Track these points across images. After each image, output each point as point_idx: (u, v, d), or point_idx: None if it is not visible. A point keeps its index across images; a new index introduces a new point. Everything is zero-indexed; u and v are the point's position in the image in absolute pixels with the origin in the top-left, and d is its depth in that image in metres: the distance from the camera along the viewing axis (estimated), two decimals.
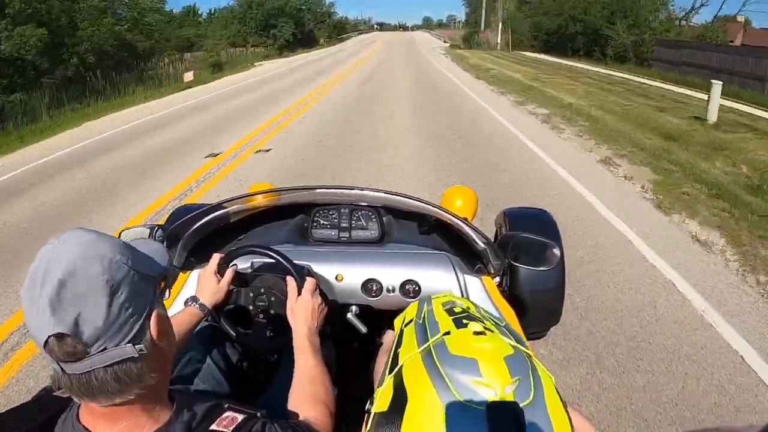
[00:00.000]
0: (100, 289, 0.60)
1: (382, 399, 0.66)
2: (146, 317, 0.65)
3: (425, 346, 0.68)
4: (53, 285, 0.58)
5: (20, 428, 0.69)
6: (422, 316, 0.77)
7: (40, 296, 0.59)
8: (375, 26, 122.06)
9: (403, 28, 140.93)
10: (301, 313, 1.20)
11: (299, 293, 1.23)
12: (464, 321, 0.72)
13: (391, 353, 0.74)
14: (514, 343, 0.68)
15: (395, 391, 0.65)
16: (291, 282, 1.25)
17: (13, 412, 0.72)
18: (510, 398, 0.59)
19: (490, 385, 0.60)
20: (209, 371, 1.28)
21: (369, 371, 1.21)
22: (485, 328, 0.70)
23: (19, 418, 0.71)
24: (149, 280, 0.67)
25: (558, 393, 0.65)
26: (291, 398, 1.00)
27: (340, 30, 59.18)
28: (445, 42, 44.27)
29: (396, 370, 0.68)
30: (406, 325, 0.79)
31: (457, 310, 0.77)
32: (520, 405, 0.59)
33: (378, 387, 0.71)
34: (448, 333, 0.69)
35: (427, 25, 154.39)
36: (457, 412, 0.59)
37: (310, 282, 1.26)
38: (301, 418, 0.92)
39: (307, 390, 1.01)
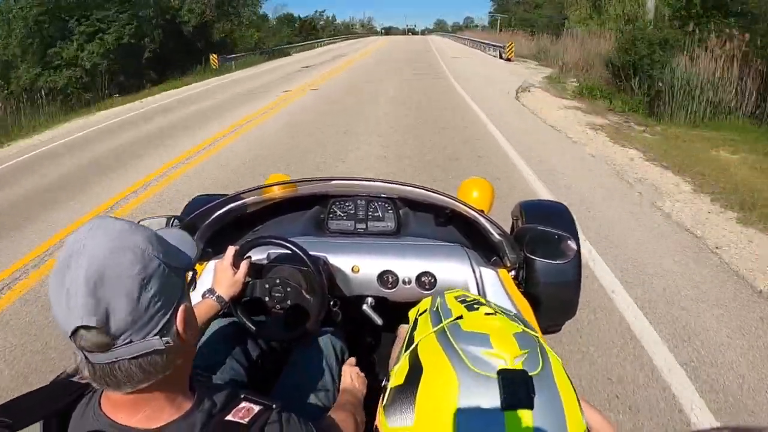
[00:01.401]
0: (130, 282, 0.59)
1: (398, 375, 0.69)
2: (174, 311, 0.65)
3: (439, 326, 0.71)
4: (83, 276, 0.58)
5: (38, 412, 0.70)
6: (436, 305, 0.80)
7: (69, 287, 0.58)
8: (380, 30, 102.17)
9: (412, 32, 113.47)
10: (346, 377, 1.26)
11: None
12: (475, 306, 0.75)
13: (407, 337, 0.77)
14: (522, 326, 0.71)
15: (411, 366, 0.68)
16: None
17: (31, 396, 0.73)
18: (519, 367, 0.62)
19: (501, 355, 0.63)
20: (229, 364, 1.29)
21: (383, 363, 1.22)
22: (496, 312, 0.73)
23: (38, 401, 0.72)
24: (178, 272, 0.67)
25: (566, 373, 0.67)
26: None
27: (308, 34, 38.95)
28: (519, 62, 17.93)
29: (411, 347, 0.71)
30: (420, 315, 0.81)
31: (468, 299, 0.80)
32: (530, 374, 0.62)
33: (394, 366, 0.73)
34: (460, 317, 0.72)
35: (441, 28, 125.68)
36: (470, 379, 0.62)
37: (351, 361, 1.32)
38: None
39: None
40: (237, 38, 24.58)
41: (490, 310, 0.72)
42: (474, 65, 17.89)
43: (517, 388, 0.59)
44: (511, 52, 19.36)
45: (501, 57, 19.89)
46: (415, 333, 0.74)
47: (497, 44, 21.99)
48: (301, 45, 33.83)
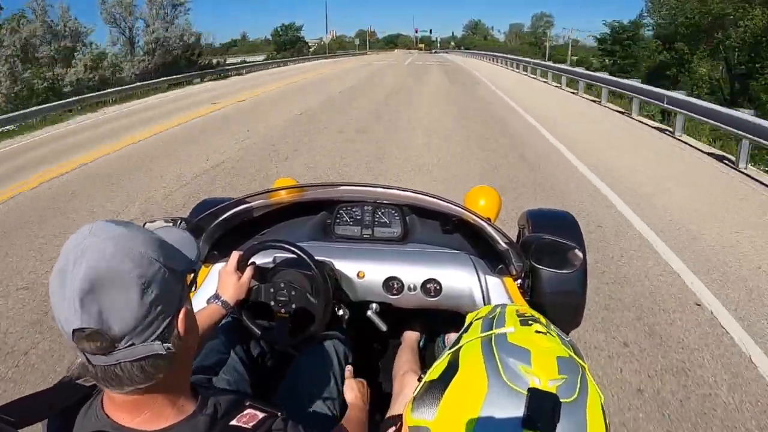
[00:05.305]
0: (131, 286, 0.59)
1: (435, 369, 0.71)
2: (175, 314, 0.65)
3: (487, 333, 0.72)
4: (83, 279, 0.58)
5: (42, 412, 0.70)
6: (494, 314, 0.81)
7: (69, 289, 0.58)
8: (319, 40, 63.99)
9: (426, 43, 73.69)
10: (349, 392, 1.24)
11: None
12: (530, 322, 0.75)
13: (457, 337, 0.78)
14: (571, 352, 0.70)
15: (449, 364, 0.69)
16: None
17: (35, 397, 0.73)
18: (552, 391, 0.62)
19: (537, 374, 0.62)
20: (232, 364, 1.30)
21: (387, 369, 1.22)
22: (548, 332, 0.73)
23: (42, 402, 0.72)
24: (179, 275, 0.67)
25: (603, 411, 0.65)
26: None
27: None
28: None
29: (455, 348, 0.72)
30: (476, 319, 0.83)
31: (527, 315, 0.80)
32: (561, 400, 0.61)
33: (437, 361, 0.76)
34: (511, 329, 0.72)
35: (483, 36, 79.81)
36: (500, 389, 0.62)
37: (348, 372, 1.31)
38: None
39: None
40: None
41: (543, 329, 0.72)
42: None
43: (542, 409, 0.59)
44: None
45: None
46: (464, 335, 0.75)
47: None
48: None
